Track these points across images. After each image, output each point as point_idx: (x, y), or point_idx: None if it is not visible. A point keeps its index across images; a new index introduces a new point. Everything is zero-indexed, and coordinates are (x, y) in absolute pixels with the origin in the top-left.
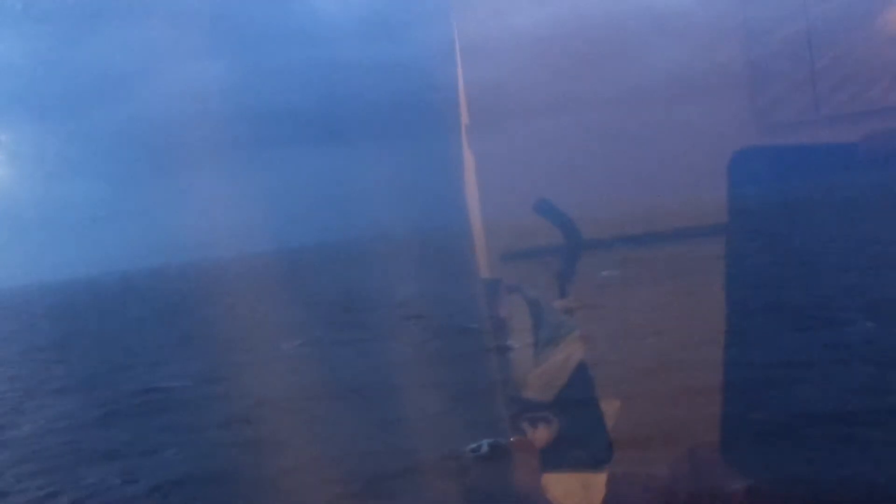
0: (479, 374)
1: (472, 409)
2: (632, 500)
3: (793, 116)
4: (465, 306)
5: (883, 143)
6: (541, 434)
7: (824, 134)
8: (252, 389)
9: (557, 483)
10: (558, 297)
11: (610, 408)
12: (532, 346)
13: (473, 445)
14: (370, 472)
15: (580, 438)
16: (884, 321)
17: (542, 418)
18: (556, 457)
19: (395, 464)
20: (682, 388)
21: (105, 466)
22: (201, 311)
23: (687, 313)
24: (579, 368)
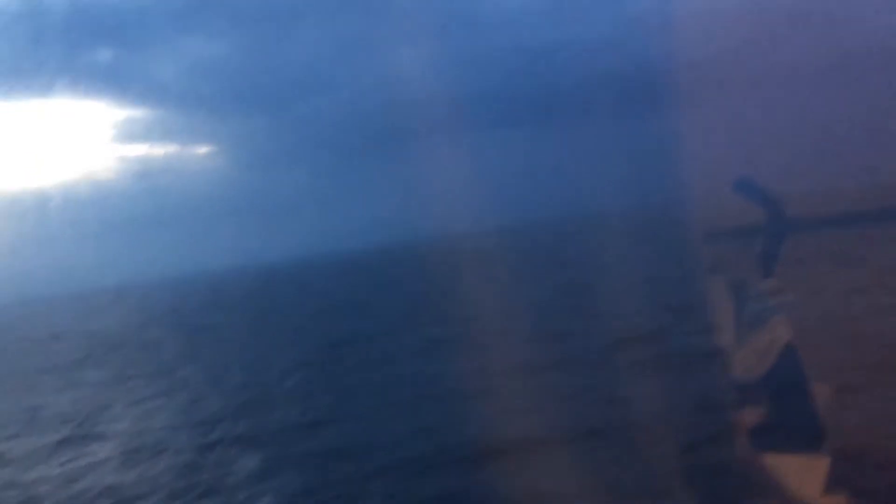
0: None
1: None
2: (854, 485)
3: None
4: None
5: None
6: (748, 415)
7: None
8: None
9: (778, 463)
10: (763, 279)
11: (821, 392)
12: (736, 328)
13: None
14: None
15: (790, 421)
16: None
17: (749, 399)
18: (766, 437)
19: None
20: None
21: None
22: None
23: None
24: (787, 351)
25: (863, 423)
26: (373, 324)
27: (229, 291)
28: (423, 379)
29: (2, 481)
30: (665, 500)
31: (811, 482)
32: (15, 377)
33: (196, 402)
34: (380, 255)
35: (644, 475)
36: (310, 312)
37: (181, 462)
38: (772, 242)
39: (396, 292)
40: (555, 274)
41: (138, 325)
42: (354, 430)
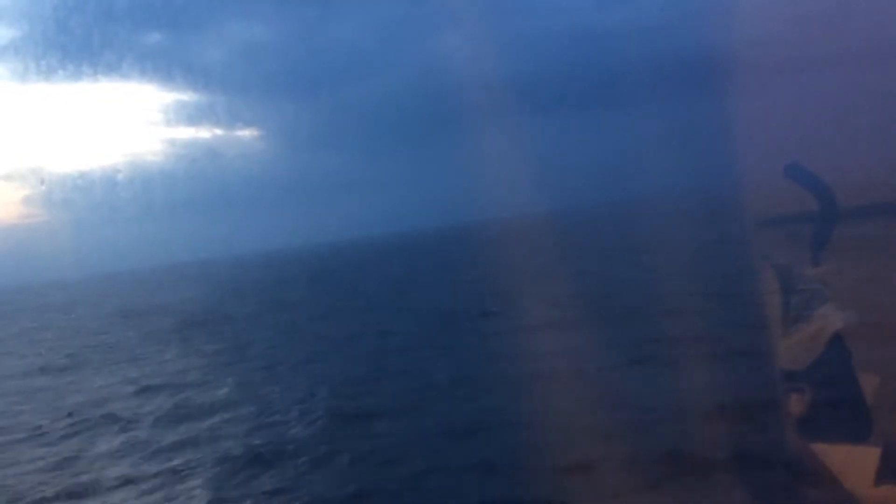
0: None
1: None
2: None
3: None
4: None
5: None
6: (795, 403)
7: None
8: None
9: (827, 453)
10: (811, 267)
11: (869, 382)
12: (783, 316)
13: None
14: None
15: (837, 410)
16: None
17: (795, 388)
18: (813, 426)
19: None
20: None
21: None
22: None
23: None
24: (835, 340)
25: None
26: (468, 301)
27: (290, 270)
28: (565, 353)
29: (179, 436)
30: None
31: (861, 472)
32: (120, 350)
33: (330, 371)
34: (430, 238)
35: None
36: (395, 289)
37: (341, 431)
38: (822, 230)
39: (472, 272)
40: (630, 256)
41: (219, 300)
42: (513, 402)
